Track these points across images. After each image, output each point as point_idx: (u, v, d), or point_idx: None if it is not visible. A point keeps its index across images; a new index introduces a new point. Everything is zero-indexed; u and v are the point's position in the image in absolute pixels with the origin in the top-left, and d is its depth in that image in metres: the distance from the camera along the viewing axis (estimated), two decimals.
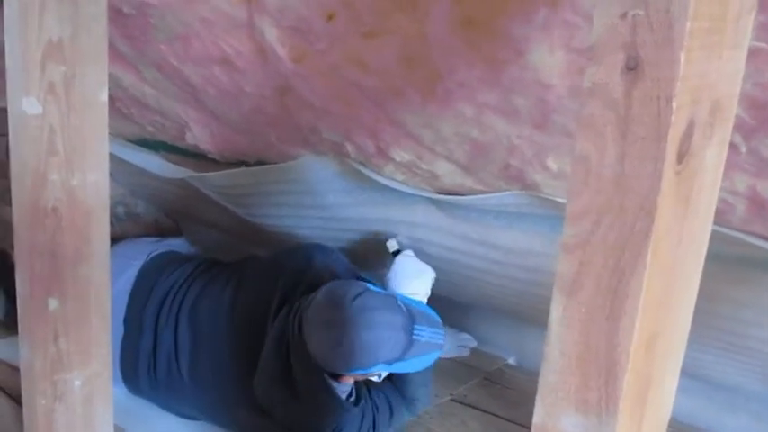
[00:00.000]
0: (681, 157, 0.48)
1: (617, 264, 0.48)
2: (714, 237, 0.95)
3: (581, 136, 0.48)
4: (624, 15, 0.46)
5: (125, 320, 1.48)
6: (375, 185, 1.32)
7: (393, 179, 1.27)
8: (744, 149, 0.80)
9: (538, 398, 0.52)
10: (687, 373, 1.37)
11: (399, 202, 1.36)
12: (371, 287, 1.31)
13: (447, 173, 1.15)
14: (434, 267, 1.55)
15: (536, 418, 0.53)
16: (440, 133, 1.04)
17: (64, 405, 1.10)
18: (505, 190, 1.14)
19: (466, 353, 1.77)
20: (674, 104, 0.45)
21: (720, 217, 0.93)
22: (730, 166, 0.83)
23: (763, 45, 0.69)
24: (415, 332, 1.26)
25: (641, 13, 0.45)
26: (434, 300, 1.79)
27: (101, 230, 1.08)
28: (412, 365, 1.29)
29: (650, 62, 0.45)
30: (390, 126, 1.09)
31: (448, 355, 1.73)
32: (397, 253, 1.46)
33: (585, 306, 0.50)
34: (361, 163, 1.28)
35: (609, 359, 0.50)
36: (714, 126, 0.52)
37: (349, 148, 1.23)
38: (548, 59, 0.82)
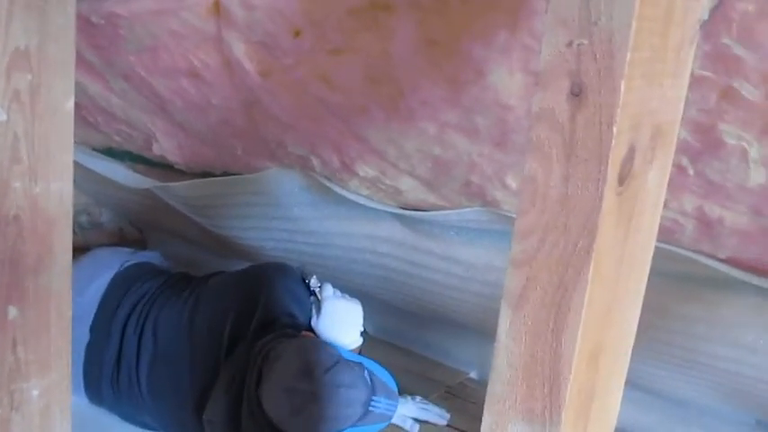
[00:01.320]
0: (622, 179, 0.51)
1: (561, 279, 0.51)
2: (665, 255, 1.00)
3: (529, 157, 0.51)
4: (570, 44, 0.49)
5: (92, 328, 1.47)
6: (340, 200, 1.34)
7: (358, 194, 1.29)
8: (691, 172, 0.84)
9: (486, 407, 0.55)
10: (641, 387, 1.41)
11: (364, 217, 1.38)
12: (343, 355, 1.29)
13: (410, 188, 1.18)
14: (398, 282, 1.57)
15: (484, 427, 0.55)
16: (403, 150, 1.06)
17: (20, 415, 1.09)
18: (467, 206, 1.17)
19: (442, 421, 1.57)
20: (615, 129, 0.48)
21: (671, 236, 0.97)
22: (679, 187, 0.87)
23: (707, 74, 0.72)
24: (372, 404, 1.27)
25: (585, 42, 0.48)
26: (397, 313, 1.81)
27: (63, 240, 1.07)
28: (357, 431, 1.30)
29: (593, 89, 0.48)
30: (355, 142, 1.11)
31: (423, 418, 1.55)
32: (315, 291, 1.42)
33: (531, 319, 0.52)
34: (326, 177, 1.30)
35: (553, 370, 0.52)
36: (656, 150, 0.55)
37: (314, 162, 1.25)
38: (507, 81, 0.85)
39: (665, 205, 0.93)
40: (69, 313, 1.12)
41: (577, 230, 0.49)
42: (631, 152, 0.51)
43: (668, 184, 0.85)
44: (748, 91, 0.71)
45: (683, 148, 0.81)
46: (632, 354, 1.23)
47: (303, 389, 1.21)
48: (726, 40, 0.69)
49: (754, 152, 0.76)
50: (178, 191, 1.64)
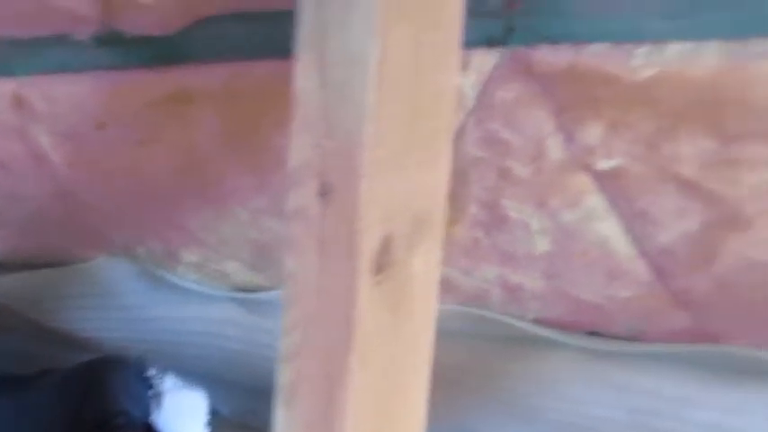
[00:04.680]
0: (380, 269, 0.53)
1: (327, 371, 0.52)
2: (480, 319, 1.04)
3: (288, 255, 0.52)
4: (317, 145, 0.51)
5: None
6: (171, 285, 1.30)
7: (186, 279, 1.27)
8: (485, 243, 0.89)
9: None
10: None
11: (197, 300, 1.35)
12: None
13: (236, 271, 1.17)
14: (242, 362, 1.53)
15: None
16: (221, 236, 1.06)
17: None
18: None
19: None
20: (363, 224, 0.50)
21: (481, 301, 1.02)
22: (478, 258, 0.92)
23: (483, 155, 0.78)
24: None
25: (331, 143, 0.51)
26: (251, 393, 1.76)
27: None
28: None
29: (339, 188, 0.50)
30: (175, 230, 1.10)
31: None
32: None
33: (304, 414, 0.53)
34: (153, 264, 1.27)
35: None
36: (420, 236, 0.58)
37: (139, 250, 1.22)
38: None
39: (471, 273, 0.98)
40: None
41: (337, 323, 0.51)
42: (387, 243, 0.53)
43: (469, 255, 0.90)
44: (519, 170, 0.77)
45: (475, 222, 0.86)
46: (468, 420, 1.25)
47: None
48: (493, 125, 0.75)
49: (534, 223, 0.82)
50: (1, 286, 1.54)
